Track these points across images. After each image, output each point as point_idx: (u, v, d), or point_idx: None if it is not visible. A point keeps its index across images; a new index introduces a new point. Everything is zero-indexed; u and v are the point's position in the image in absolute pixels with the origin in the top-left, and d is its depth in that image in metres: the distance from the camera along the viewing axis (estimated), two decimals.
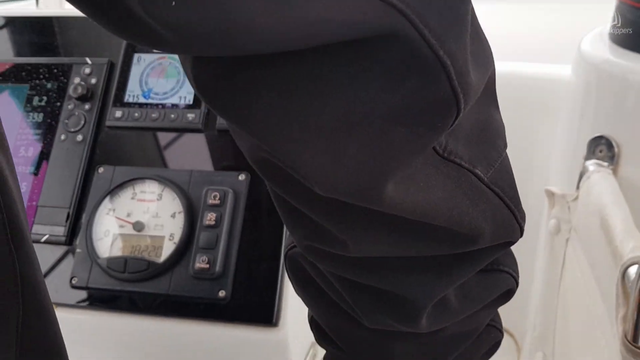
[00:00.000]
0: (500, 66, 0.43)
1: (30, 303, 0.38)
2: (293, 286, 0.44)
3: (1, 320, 0.36)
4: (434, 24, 0.27)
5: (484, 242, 0.36)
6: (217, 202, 0.78)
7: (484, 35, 0.33)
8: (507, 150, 0.38)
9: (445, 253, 0.36)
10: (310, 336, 0.86)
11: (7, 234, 0.36)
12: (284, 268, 0.76)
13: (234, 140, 0.36)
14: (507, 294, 0.44)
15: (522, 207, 0.39)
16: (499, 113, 0.38)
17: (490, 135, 0.36)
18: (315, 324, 0.49)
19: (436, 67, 0.28)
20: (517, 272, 0.43)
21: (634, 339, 0.47)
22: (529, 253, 0.98)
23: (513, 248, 0.42)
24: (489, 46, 0.34)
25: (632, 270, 0.49)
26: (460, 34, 0.29)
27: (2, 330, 0.36)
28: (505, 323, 0.51)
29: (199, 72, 0.31)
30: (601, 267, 0.58)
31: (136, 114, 0.85)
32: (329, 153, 0.30)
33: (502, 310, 0.49)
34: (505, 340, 0.53)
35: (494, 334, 0.48)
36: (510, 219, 0.38)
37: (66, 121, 0.86)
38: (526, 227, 0.40)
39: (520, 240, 0.40)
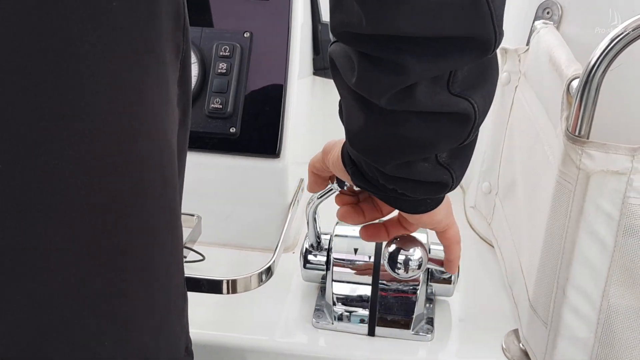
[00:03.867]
0: None
1: None
2: (333, 77, 0.53)
3: None
4: None
5: None
6: (227, 54, 0.90)
7: None
8: None
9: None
10: (301, 165, 1.02)
11: None
12: (284, 107, 0.91)
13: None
14: (463, 119, 0.48)
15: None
16: None
17: None
18: (340, 110, 0.56)
19: None
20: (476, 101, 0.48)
21: (574, 130, 0.64)
22: None
23: None
24: None
25: (575, 83, 0.66)
26: None
27: None
28: None
29: None
30: (548, 91, 0.73)
31: None
32: None
33: None
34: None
35: (446, 175, 0.52)
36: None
37: None
38: None
39: None
